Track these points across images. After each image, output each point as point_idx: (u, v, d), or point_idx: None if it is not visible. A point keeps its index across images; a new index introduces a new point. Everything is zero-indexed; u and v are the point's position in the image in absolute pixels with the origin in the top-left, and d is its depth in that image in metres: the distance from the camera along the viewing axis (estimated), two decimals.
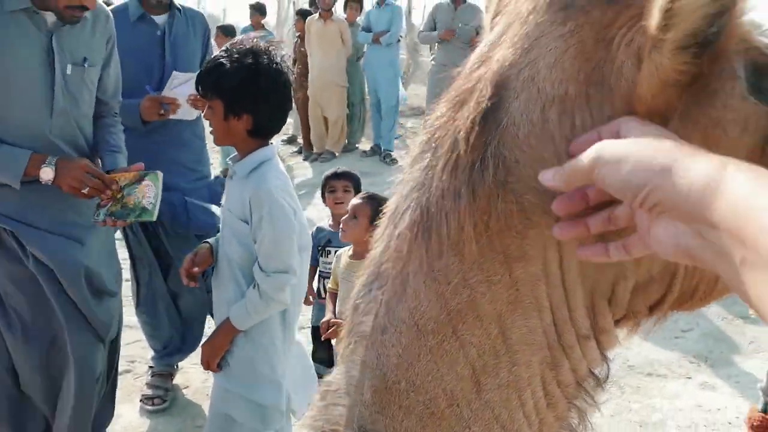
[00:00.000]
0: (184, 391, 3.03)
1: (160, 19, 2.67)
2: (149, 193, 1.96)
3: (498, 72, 0.61)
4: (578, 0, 0.59)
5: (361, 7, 7.85)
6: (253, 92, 1.70)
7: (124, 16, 2.58)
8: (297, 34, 8.03)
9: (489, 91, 0.61)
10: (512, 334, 0.64)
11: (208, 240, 1.93)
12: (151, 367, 3.02)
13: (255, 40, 1.77)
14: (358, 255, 2.41)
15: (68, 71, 2.02)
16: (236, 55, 1.70)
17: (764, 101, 0.57)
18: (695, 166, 0.46)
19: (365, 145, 8.28)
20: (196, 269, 1.83)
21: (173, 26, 2.70)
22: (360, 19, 7.71)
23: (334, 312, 2.53)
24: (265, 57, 1.72)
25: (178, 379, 3.07)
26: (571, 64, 0.58)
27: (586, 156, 0.53)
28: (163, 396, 2.88)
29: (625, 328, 0.68)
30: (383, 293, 0.69)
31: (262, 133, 1.78)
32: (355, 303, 0.74)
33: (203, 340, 2.97)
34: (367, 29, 7.53)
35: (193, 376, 3.15)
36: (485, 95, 0.61)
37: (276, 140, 8.43)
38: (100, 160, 2.20)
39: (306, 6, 12.32)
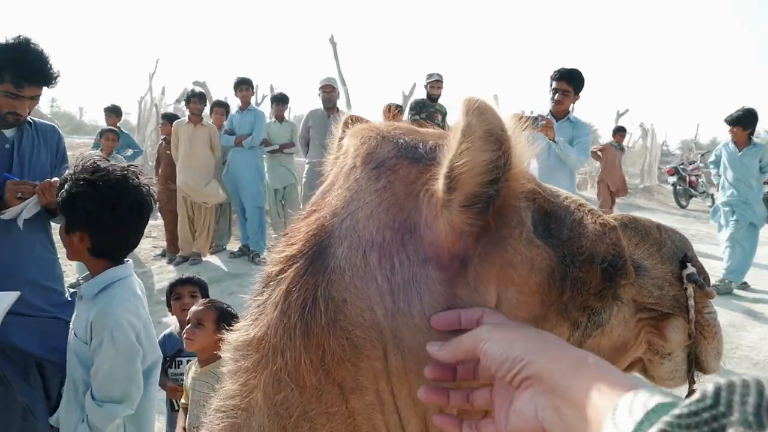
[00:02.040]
0: None
1: (9, 132, 2.57)
2: None
3: (322, 220, 0.69)
4: (388, 160, 0.69)
5: (227, 112, 7.97)
6: (87, 212, 1.67)
7: None
8: (162, 137, 7.92)
9: (313, 237, 0.68)
10: None
11: None
12: None
13: (97, 160, 1.76)
14: (205, 362, 2.35)
15: None
16: (77, 174, 1.69)
17: (549, 243, 0.69)
18: (566, 352, 0.58)
19: (233, 245, 8.16)
20: None
21: (22, 139, 2.61)
22: (224, 123, 7.81)
23: (184, 428, 2.39)
24: (105, 178, 1.70)
25: None
26: (386, 214, 0.67)
27: (476, 333, 0.62)
28: None
29: None
30: (231, 428, 0.71)
31: (104, 253, 1.73)
32: None
33: None
34: (230, 132, 7.64)
35: None
36: (310, 241, 0.68)
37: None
38: None
39: (170, 110, 12.35)
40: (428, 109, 7.87)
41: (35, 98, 2.53)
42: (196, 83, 11.50)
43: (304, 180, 7.05)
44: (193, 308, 2.39)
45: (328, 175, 0.82)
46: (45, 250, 2.69)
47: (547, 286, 0.69)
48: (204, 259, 7.49)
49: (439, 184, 0.62)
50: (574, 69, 4.56)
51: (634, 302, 0.82)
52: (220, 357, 2.28)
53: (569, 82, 4.51)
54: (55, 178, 2.50)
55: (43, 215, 2.61)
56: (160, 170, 7.83)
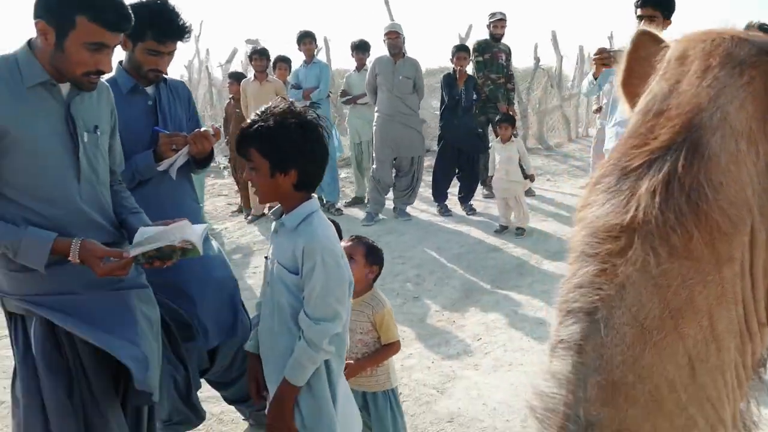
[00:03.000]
0: None
1: (149, 89, 2.72)
2: (183, 244, 1.97)
3: (687, 115, 0.78)
4: (749, 58, 0.78)
5: (290, 67, 8.05)
6: (299, 148, 1.80)
7: (115, 89, 2.61)
8: (230, 96, 8.08)
9: (682, 130, 0.78)
10: (718, 325, 0.79)
11: None
12: None
13: (290, 102, 1.88)
14: (358, 293, 2.50)
15: (85, 138, 2.08)
16: (278, 116, 1.80)
17: None
18: None
19: None
20: None
21: (160, 95, 2.75)
22: (289, 78, 7.90)
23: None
24: (304, 116, 1.84)
25: None
26: (752, 106, 0.76)
27: None
28: None
29: None
30: (600, 301, 0.82)
31: (306, 186, 1.87)
32: (562, 315, 0.86)
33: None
34: (297, 87, 7.73)
35: None
36: (680, 133, 0.78)
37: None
38: (122, 224, 2.24)
39: (217, 72, 12.43)
40: (492, 49, 7.78)
41: (172, 53, 2.66)
42: (249, 41, 11.56)
43: (374, 128, 7.11)
44: (342, 244, 2.52)
45: (636, 84, 0.90)
46: (190, 199, 2.88)
47: None
48: None
49: None
50: None
51: None
52: (370, 288, 2.43)
53: (655, 6, 4.13)
54: (205, 128, 2.65)
55: (187, 167, 2.78)
56: (230, 129, 8.01)
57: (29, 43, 1.97)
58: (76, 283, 2.03)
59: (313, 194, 1.94)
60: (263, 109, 1.86)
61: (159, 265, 2.02)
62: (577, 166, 10.42)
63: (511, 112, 7.58)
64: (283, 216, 1.90)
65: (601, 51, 4.45)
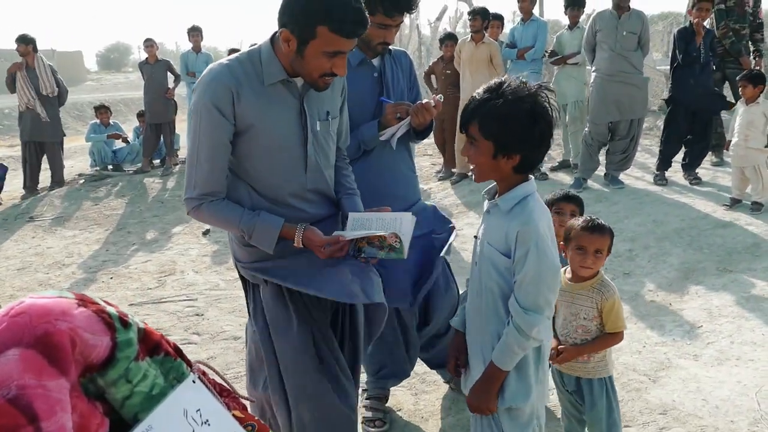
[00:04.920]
0: (398, 413, 3.12)
1: (375, 61, 2.80)
2: (392, 240, 2.04)
3: None
4: None
5: (503, 25, 7.83)
6: (528, 134, 1.71)
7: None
8: (440, 56, 8.13)
9: None
10: None
11: None
12: (365, 390, 3.10)
13: (526, 80, 1.76)
14: (578, 279, 2.37)
15: (317, 128, 2.20)
16: (510, 98, 1.70)
17: None
18: None
19: None
20: None
21: (385, 67, 2.83)
22: (503, 36, 7.69)
23: (557, 337, 2.48)
24: (537, 99, 1.72)
25: (389, 402, 3.15)
26: None
27: None
28: (382, 418, 2.98)
29: None
30: None
31: (527, 168, 1.79)
32: None
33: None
34: (512, 45, 7.50)
35: (402, 398, 3.24)
36: None
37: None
38: (337, 202, 2.37)
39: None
40: None
41: (399, 25, 2.72)
42: None
43: (591, 88, 6.65)
44: (592, 237, 2.29)
45: None
46: (408, 169, 2.96)
47: None
48: None
49: None
50: None
51: None
52: (596, 273, 2.26)
53: None
54: (427, 100, 2.69)
55: (407, 136, 2.85)
56: (436, 87, 8.09)
57: (272, 40, 2.11)
58: (296, 249, 2.18)
59: (530, 175, 1.86)
60: (492, 85, 1.75)
61: (363, 261, 2.15)
62: None
63: (757, 68, 6.56)
64: (497, 197, 1.83)
65: None
